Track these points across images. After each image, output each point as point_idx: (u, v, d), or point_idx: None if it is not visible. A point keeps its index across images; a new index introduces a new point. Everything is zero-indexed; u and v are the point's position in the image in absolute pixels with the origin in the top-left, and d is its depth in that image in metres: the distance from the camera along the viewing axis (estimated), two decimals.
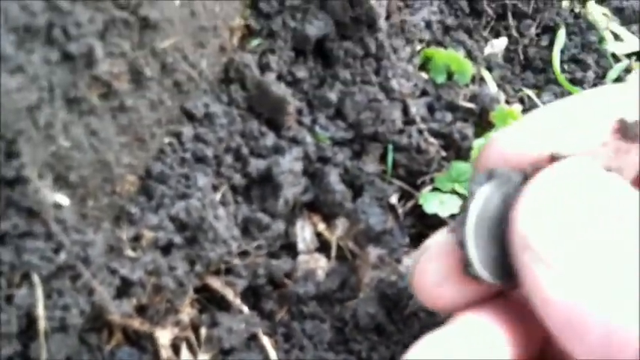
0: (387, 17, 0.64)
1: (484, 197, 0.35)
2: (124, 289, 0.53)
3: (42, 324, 0.49)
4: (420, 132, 0.64)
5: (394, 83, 0.64)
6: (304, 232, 0.63)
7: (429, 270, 0.38)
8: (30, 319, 0.49)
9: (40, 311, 0.49)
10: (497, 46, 0.74)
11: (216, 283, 0.59)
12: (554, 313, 0.32)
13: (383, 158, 0.65)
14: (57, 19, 0.43)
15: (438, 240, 0.40)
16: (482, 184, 0.36)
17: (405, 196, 0.66)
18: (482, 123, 0.68)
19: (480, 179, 0.36)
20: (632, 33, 0.74)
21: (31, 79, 0.43)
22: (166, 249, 0.56)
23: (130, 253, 0.54)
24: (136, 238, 0.55)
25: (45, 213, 0.48)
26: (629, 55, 0.73)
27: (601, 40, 0.73)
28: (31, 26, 0.42)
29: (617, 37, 0.73)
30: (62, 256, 0.49)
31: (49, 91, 0.45)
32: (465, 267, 0.36)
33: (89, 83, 0.48)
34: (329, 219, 0.63)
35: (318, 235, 0.63)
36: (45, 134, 0.46)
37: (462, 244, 0.36)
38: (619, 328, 0.30)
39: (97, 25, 0.46)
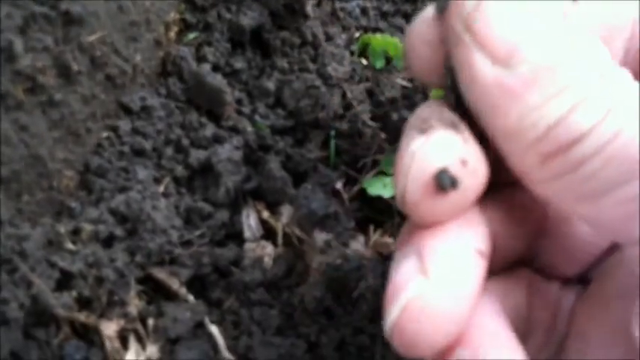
0: (318, 4, 0.65)
1: None
2: (65, 281, 0.54)
3: None
4: (359, 116, 0.65)
5: (331, 69, 0.64)
6: (249, 220, 0.63)
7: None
8: None
9: None
10: None
11: (160, 273, 0.59)
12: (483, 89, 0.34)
13: (325, 145, 0.66)
14: None
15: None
16: None
17: (350, 182, 0.66)
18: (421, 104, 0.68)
19: None
20: None
21: None
22: (107, 242, 0.56)
23: (69, 246, 0.55)
24: (76, 232, 0.56)
25: None
26: None
27: None
28: None
29: None
30: None
31: None
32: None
33: (12, 78, 0.49)
34: (273, 206, 0.64)
35: (264, 222, 0.64)
36: None
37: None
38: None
39: (16, 20, 0.47)
